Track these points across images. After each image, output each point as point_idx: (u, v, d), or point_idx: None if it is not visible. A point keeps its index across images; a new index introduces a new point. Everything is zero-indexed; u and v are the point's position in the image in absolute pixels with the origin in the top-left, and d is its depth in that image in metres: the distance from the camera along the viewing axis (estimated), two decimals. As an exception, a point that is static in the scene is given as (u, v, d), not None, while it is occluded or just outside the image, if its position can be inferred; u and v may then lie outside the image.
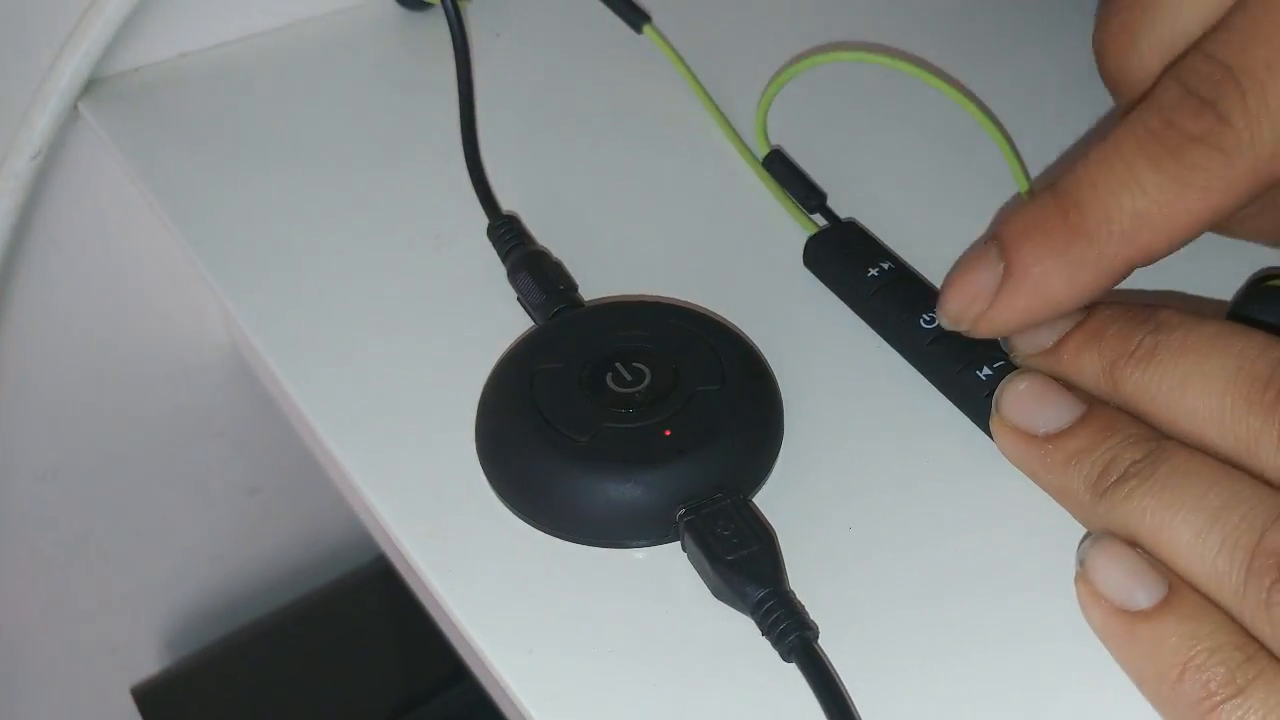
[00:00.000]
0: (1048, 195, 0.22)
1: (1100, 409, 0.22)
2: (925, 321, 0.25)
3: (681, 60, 0.33)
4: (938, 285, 0.24)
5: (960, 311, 0.23)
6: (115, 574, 0.44)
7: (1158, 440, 0.21)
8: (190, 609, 0.47)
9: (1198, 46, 0.21)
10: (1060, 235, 0.21)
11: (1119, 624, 0.20)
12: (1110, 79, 0.24)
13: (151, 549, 0.45)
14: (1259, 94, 0.19)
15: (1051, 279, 0.22)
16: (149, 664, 0.46)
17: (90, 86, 0.33)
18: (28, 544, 0.41)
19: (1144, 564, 0.20)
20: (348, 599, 0.46)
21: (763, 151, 0.30)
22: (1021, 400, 0.23)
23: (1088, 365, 0.23)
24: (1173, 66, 0.21)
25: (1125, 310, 0.23)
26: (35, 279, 0.36)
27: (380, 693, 0.44)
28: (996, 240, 0.23)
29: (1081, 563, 0.21)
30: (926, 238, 0.28)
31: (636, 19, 0.34)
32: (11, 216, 0.33)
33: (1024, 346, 0.24)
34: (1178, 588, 0.20)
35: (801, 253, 0.28)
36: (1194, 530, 0.20)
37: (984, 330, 0.23)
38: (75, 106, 0.33)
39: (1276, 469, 0.20)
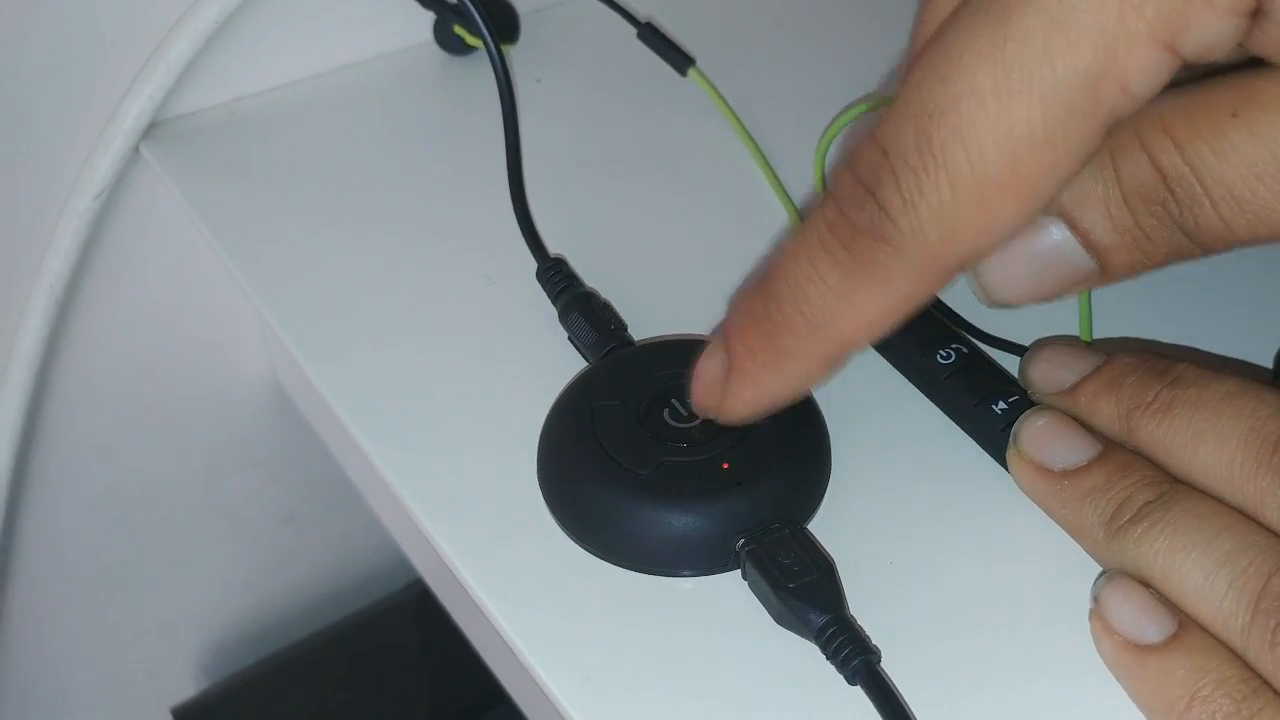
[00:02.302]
0: (756, 286, 0.22)
1: (1116, 449, 0.23)
2: (942, 357, 0.26)
3: (726, 103, 0.34)
4: (955, 317, 0.25)
5: (702, 401, 0.23)
6: (155, 600, 0.45)
7: (1171, 484, 0.22)
8: (227, 634, 0.48)
9: (871, 129, 0.20)
10: (766, 328, 0.21)
11: (1130, 657, 0.21)
12: None
13: (190, 576, 0.46)
14: (910, 180, 0.18)
15: (766, 372, 0.22)
16: (187, 687, 0.47)
17: (151, 129, 0.34)
18: (73, 570, 0.42)
19: (1154, 601, 0.21)
20: (382, 624, 0.46)
21: (820, 192, 0.31)
22: (1039, 436, 0.24)
23: (1104, 410, 0.24)
24: (851, 150, 0.20)
25: (1144, 361, 0.24)
26: (93, 313, 0.37)
27: (413, 717, 0.45)
28: (723, 331, 0.23)
29: (1095, 599, 0.22)
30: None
31: (682, 62, 0.35)
32: (74, 253, 0.34)
33: (1042, 385, 0.25)
34: (1187, 624, 0.21)
35: None
36: (1203, 573, 0.21)
37: (726, 419, 0.23)
38: (137, 148, 0.34)
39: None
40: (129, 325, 0.38)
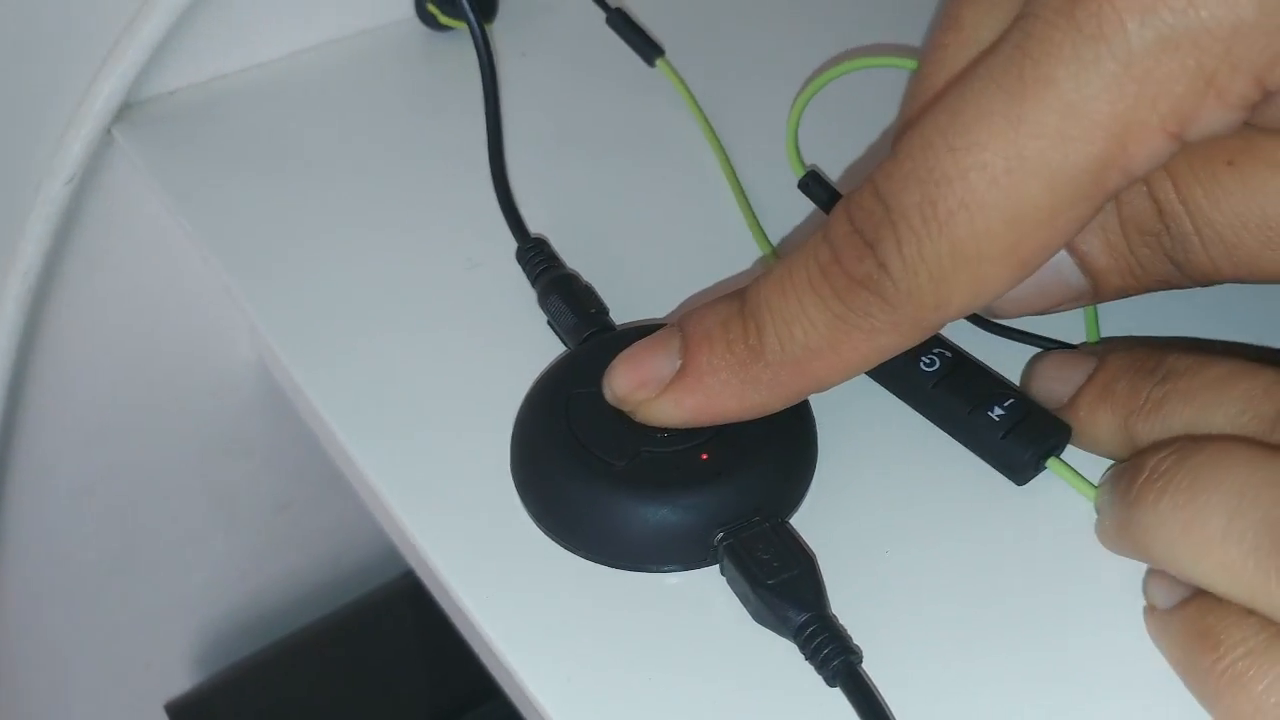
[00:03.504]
0: (736, 305, 0.21)
1: None
2: (925, 364, 0.24)
3: (692, 96, 0.33)
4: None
5: (628, 393, 0.23)
6: (148, 590, 0.45)
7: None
8: (221, 625, 0.47)
9: (871, 174, 0.20)
10: (740, 351, 0.21)
11: (1157, 621, 0.21)
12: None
13: (182, 566, 0.45)
14: (914, 243, 0.18)
15: (724, 391, 0.21)
16: (181, 680, 0.47)
17: (123, 111, 0.33)
18: (64, 561, 0.42)
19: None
20: (376, 615, 0.46)
21: (798, 174, 0.30)
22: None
23: (1103, 422, 0.23)
24: (847, 193, 0.20)
25: (1134, 359, 0.23)
26: (70, 300, 0.36)
27: (409, 708, 0.44)
28: (680, 332, 0.22)
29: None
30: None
31: (650, 53, 0.34)
32: (46, 240, 0.33)
33: (1045, 402, 0.24)
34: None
35: None
36: (1227, 514, 0.19)
37: (641, 417, 0.23)
38: (109, 131, 0.33)
39: None
40: (109, 312, 0.37)
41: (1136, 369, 0.22)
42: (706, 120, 0.33)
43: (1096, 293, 0.22)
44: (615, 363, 0.23)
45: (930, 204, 0.18)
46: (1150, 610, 0.21)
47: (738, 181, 0.31)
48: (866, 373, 0.26)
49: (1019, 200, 0.18)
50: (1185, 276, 0.21)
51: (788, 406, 0.22)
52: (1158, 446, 0.21)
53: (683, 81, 0.33)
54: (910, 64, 0.28)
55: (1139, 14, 0.16)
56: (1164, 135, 0.17)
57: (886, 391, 0.26)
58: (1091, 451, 0.24)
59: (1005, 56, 0.18)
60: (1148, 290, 0.22)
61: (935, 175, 0.18)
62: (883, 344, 0.20)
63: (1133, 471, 0.21)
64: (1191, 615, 0.20)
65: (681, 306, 0.28)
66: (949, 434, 0.25)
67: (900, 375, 0.25)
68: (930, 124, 0.18)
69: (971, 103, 0.18)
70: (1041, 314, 0.23)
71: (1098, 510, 0.23)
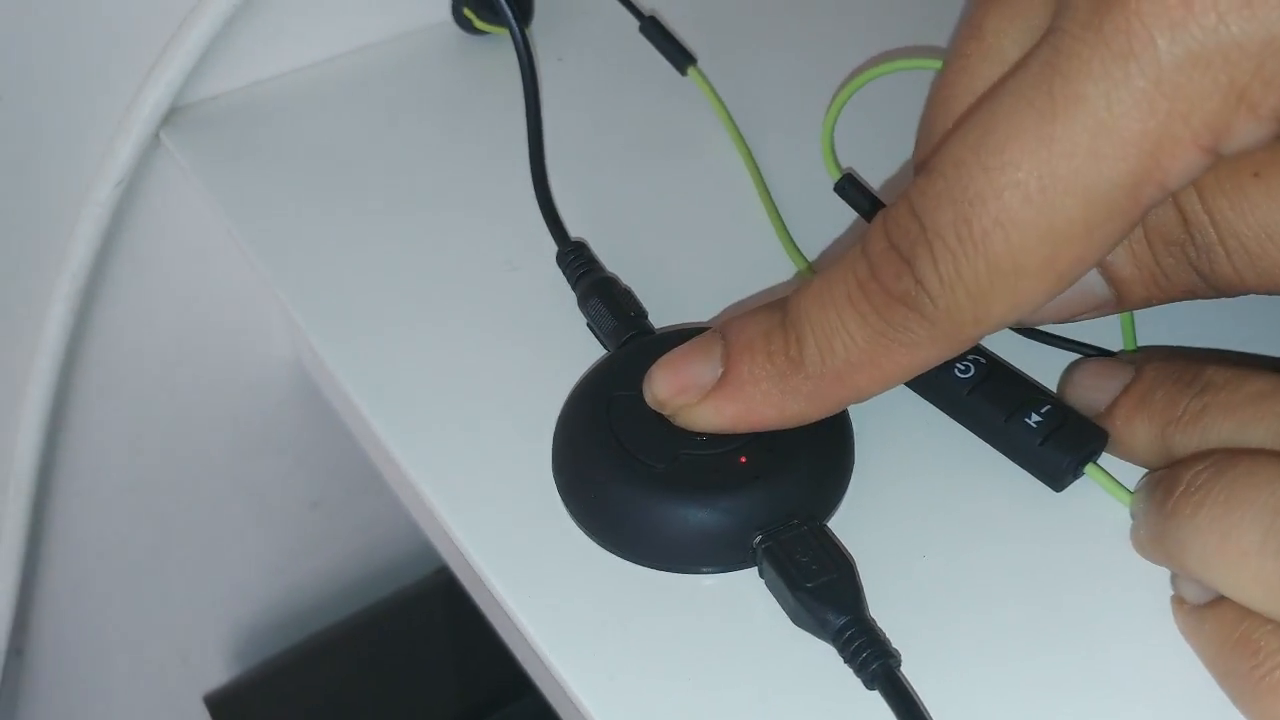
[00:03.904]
0: (777, 315, 0.22)
1: None
2: (960, 371, 0.24)
3: (723, 105, 0.33)
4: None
5: (669, 397, 0.23)
6: (186, 586, 0.45)
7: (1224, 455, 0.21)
8: (257, 620, 0.48)
9: (906, 191, 0.20)
10: (780, 362, 0.21)
11: (1191, 618, 0.21)
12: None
13: (220, 561, 0.46)
14: (950, 262, 0.19)
15: (764, 400, 0.22)
16: (219, 673, 0.47)
17: (170, 115, 0.34)
18: (106, 558, 0.42)
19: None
20: (409, 610, 0.46)
21: (834, 177, 0.30)
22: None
23: (1140, 432, 0.23)
24: (884, 210, 0.21)
25: (1172, 370, 0.23)
26: (117, 300, 0.37)
27: (442, 703, 0.45)
28: (722, 340, 0.22)
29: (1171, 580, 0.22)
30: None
31: (682, 61, 0.34)
32: (96, 241, 0.34)
33: (1082, 411, 0.24)
34: None
35: None
36: (1262, 530, 0.19)
37: (685, 422, 0.23)
38: (157, 135, 0.34)
39: None
40: (153, 312, 0.38)
41: (1175, 380, 0.23)
42: (737, 129, 0.33)
43: (1121, 302, 0.22)
44: (656, 367, 0.23)
45: (965, 223, 0.18)
46: (1179, 605, 0.22)
47: (767, 191, 0.31)
48: (905, 385, 0.26)
49: (1054, 217, 0.18)
50: (1210, 287, 0.21)
51: (828, 415, 0.22)
52: (1194, 459, 0.21)
53: (714, 90, 0.34)
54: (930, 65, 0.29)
55: (1169, 30, 0.16)
56: (1197, 150, 0.17)
57: (922, 398, 0.26)
58: (1127, 460, 0.24)
59: (1034, 73, 0.18)
60: (1172, 300, 0.22)
61: (970, 194, 0.18)
62: (921, 357, 0.20)
63: (1169, 483, 0.21)
64: (1228, 619, 0.20)
65: (720, 312, 0.28)
66: (985, 440, 0.25)
67: (935, 382, 0.25)
68: (962, 142, 0.19)
69: (1003, 120, 0.18)
70: (1065, 322, 0.24)
71: (1133, 517, 0.23)
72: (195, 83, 0.34)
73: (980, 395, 0.24)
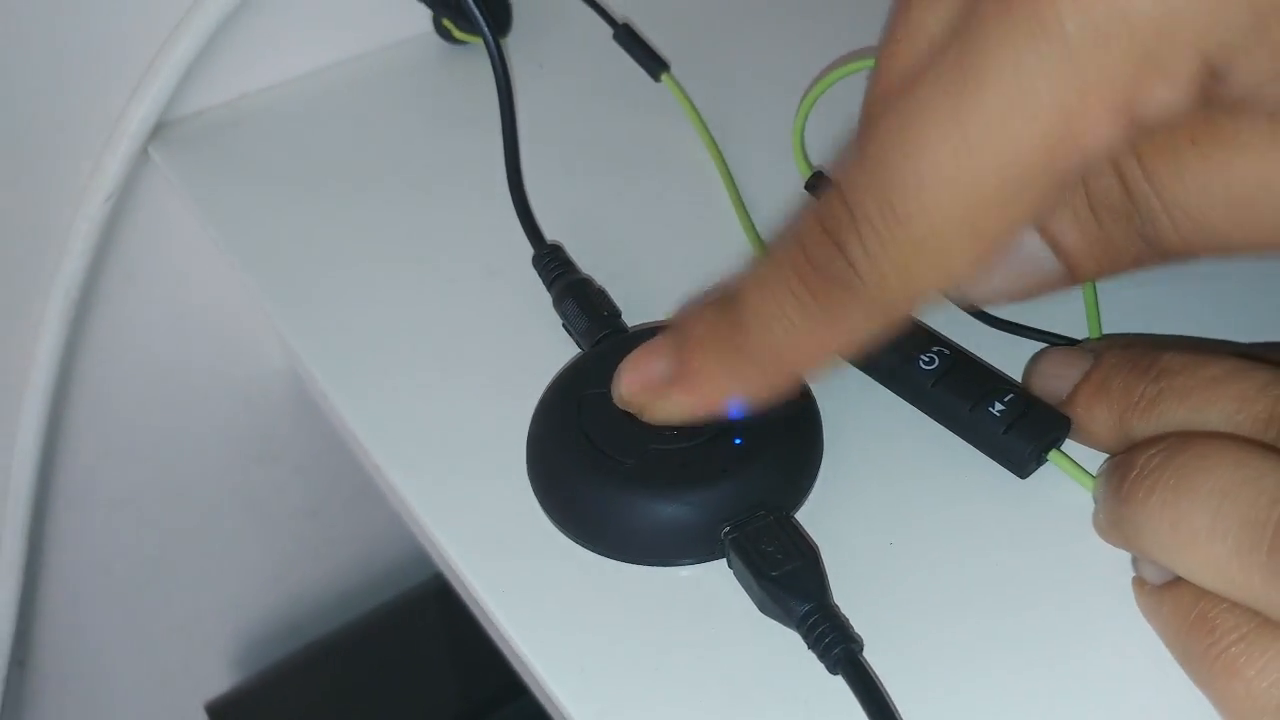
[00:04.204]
0: (720, 307, 0.23)
1: None
2: (924, 363, 0.25)
3: (695, 110, 0.34)
4: (929, 324, 0.25)
5: (633, 396, 0.24)
6: (185, 596, 0.46)
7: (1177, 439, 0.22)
8: (256, 628, 0.48)
9: (835, 177, 0.20)
10: (728, 349, 0.22)
11: (1150, 599, 0.22)
12: None
13: (218, 571, 0.46)
14: (875, 239, 0.19)
15: (718, 387, 0.23)
16: (219, 681, 0.48)
17: (158, 130, 0.35)
18: (105, 568, 0.43)
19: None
20: (406, 616, 0.47)
21: (804, 174, 0.31)
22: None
23: (1100, 417, 0.24)
24: (816, 199, 0.21)
25: (1130, 357, 0.24)
26: (110, 312, 0.37)
27: (440, 707, 0.45)
28: (676, 337, 0.23)
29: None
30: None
31: (655, 68, 0.35)
32: (87, 255, 0.35)
33: (1044, 399, 0.25)
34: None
35: None
36: (1210, 513, 0.20)
37: (650, 417, 0.24)
38: (145, 150, 0.34)
39: None
40: (146, 324, 0.39)
41: (1131, 367, 0.23)
42: (709, 133, 0.33)
43: (1072, 275, 0.22)
44: (620, 368, 0.24)
45: (888, 205, 0.19)
46: (1139, 586, 0.22)
47: (737, 192, 0.32)
48: (867, 373, 0.27)
49: (971, 189, 0.18)
50: (1158, 254, 0.21)
51: (781, 395, 0.22)
52: (1147, 444, 0.21)
53: (687, 96, 0.34)
54: None
55: (1075, 13, 0.17)
56: (1111, 119, 0.17)
57: (888, 390, 0.26)
58: (1089, 446, 0.24)
59: (950, 58, 0.18)
60: (1122, 270, 0.22)
61: (893, 180, 0.19)
62: (858, 331, 0.21)
63: (1124, 468, 0.22)
64: (1185, 600, 0.21)
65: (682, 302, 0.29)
66: (951, 430, 0.25)
67: (901, 375, 0.25)
68: (884, 129, 0.19)
69: (919, 106, 0.18)
70: (1022, 300, 0.24)
71: (1095, 501, 0.23)
72: (181, 98, 0.35)
73: (944, 386, 0.25)
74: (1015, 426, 0.24)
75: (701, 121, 0.34)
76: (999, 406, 0.24)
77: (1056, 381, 0.25)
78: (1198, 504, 0.20)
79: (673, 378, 0.23)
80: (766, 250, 0.22)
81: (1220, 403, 0.21)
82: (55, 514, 0.40)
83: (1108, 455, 0.24)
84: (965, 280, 0.20)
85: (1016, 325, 0.27)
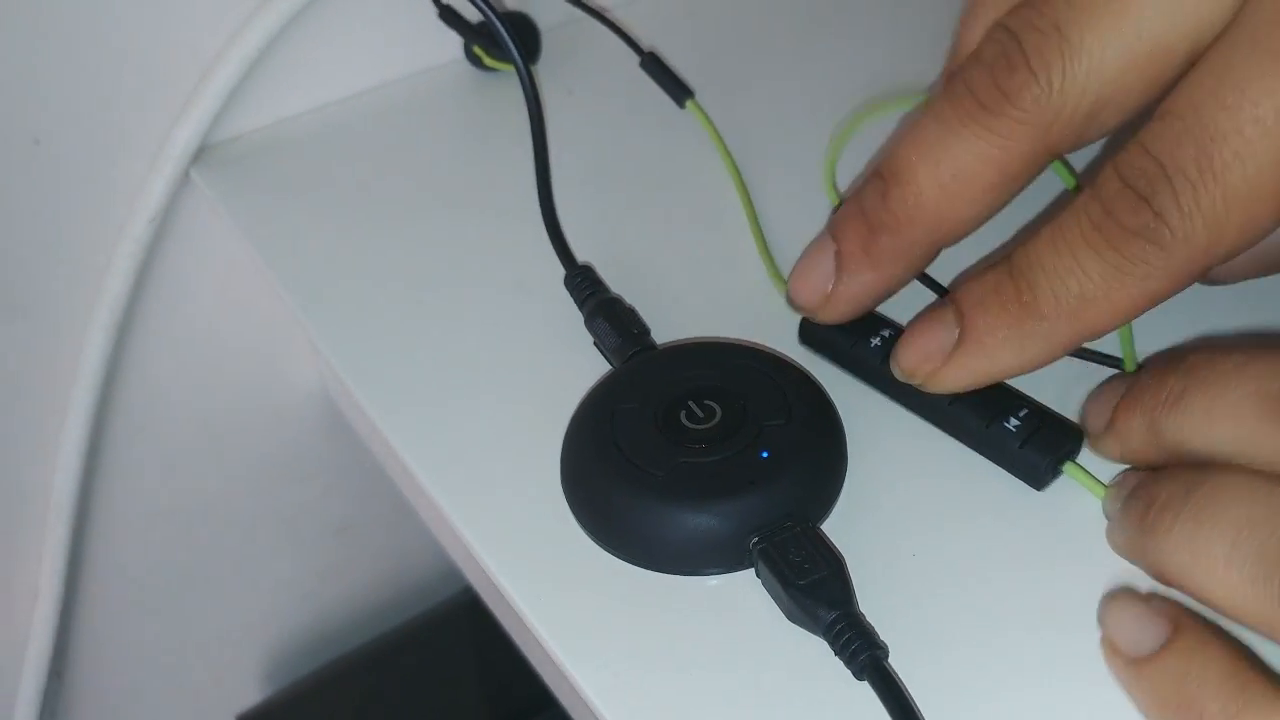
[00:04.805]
0: (1004, 270, 0.23)
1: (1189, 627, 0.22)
2: None
3: (719, 137, 0.34)
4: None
5: (915, 367, 0.25)
6: (218, 609, 0.47)
7: (1196, 475, 0.22)
8: (288, 642, 0.49)
9: (1136, 138, 0.21)
10: (1014, 310, 0.23)
11: (1130, 671, 0.21)
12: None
13: (250, 585, 0.47)
14: (1190, 193, 0.20)
15: (1003, 349, 0.23)
16: (251, 694, 0.48)
17: (200, 154, 0.36)
18: (140, 582, 0.44)
19: (1149, 610, 0.21)
20: (436, 631, 0.47)
21: (833, 202, 0.31)
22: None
23: (1135, 426, 0.24)
24: (1113, 156, 0.22)
25: (1159, 362, 0.24)
26: (150, 333, 0.38)
27: (468, 719, 0.45)
28: (954, 305, 0.24)
29: (1100, 620, 0.22)
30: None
31: (680, 94, 0.36)
32: (131, 275, 0.36)
33: (1092, 430, 0.25)
34: (1182, 627, 0.21)
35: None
36: (1229, 543, 0.20)
37: (933, 387, 0.25)
38: (187, 173, 0.35)
39: None
40: (185, 344, 0.40)
41: (1159, 370, 0.24)
42: (732, 160, 0.34)
43: None
44: (899, 343, 0.25)
45: (1206, 157, 0.20)
46: (1113, 652, 0.22)
47: (755, 216, 0.32)
48: (886, 394, 0.27)
49: None
50: None
51: (1063, 357, 0.23)
52: (1168, 475, 0.22)
53: (711, 123, 0.35)
54: None
55: None
56: None
57: (908, 410, 0.27)
58: (1132, 460, 0.24)
59: (1267, 19, 0.19)
60: None
61: (1210, 131, 0.20)
62: (1153, 289, 0.21)
63: (1144, 497, 0.22)
64: (1168, 677, 0.20)
65: (716, 328, 0.29)
66: (969, 446, 0.26)
67: (919, 394, 0.26)
68: (1195, 88, 0.20)
69: (1240, 63, 0.20)
70: (1263, 275, 0.25)
71: (1107, 517, 0.24)
72: (223, 122, 0.36)
73: (961, 404, 0.25)
74: (1030, 441, 0.25)
75: (724, 147, 0.34)
76: (1014, 422, 0.25)
77: (1103, 408, 0.25)
78: (1216, 535, 0.20)
79: (955, 343, 0.24)
80: (1058, 212, 0.22)
81: (1237, 385, 0.22)
82: (94, 529, 0.41)
83: (1122, 470, 0.24)
84: (1263, 238, 0.20)
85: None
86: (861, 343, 0.27)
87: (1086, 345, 0.27)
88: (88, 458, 0.39)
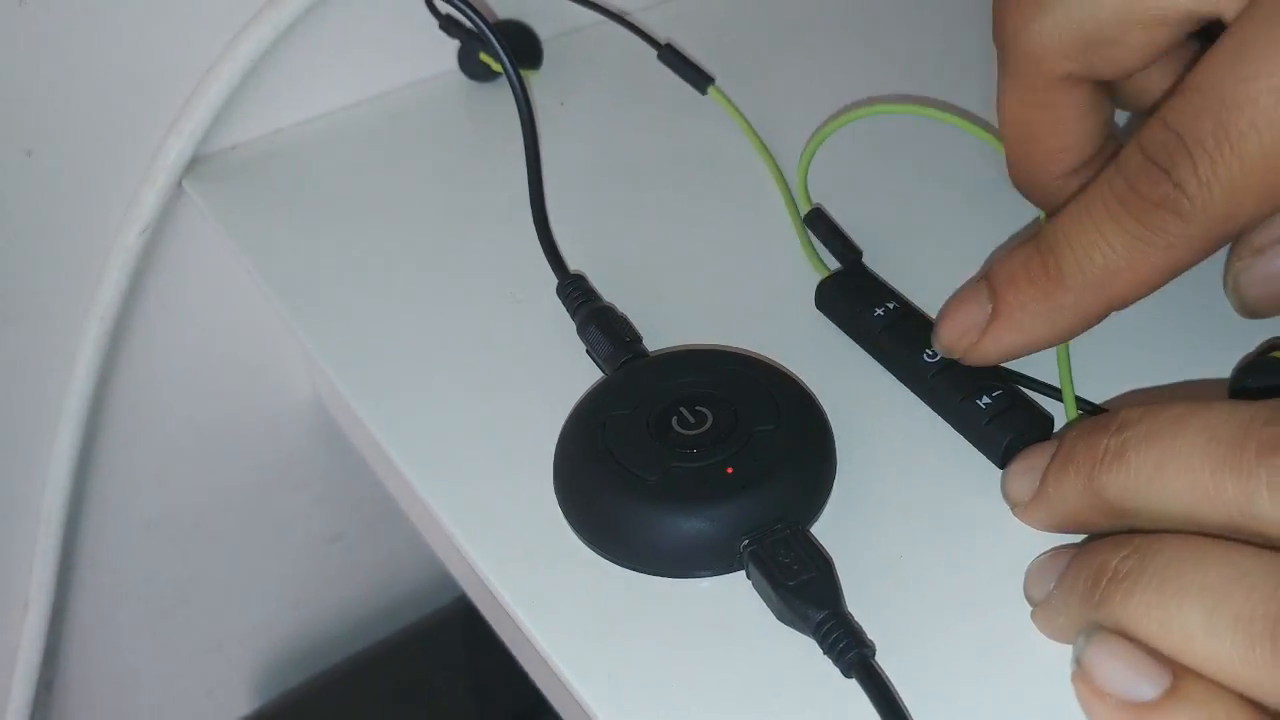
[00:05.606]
0: (1031, 246, 0.24)
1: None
2: (928, 356, 0.27)
3: (744, 118, 0.35)
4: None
5: (953, 342, 0.26)
6: (210, 619, 0.47)
7: (1144, 538, 0.20)
8: (280, 651, 0.49)
9: (1157, 113, 0.22)
10: (1042, 284, 0.24)
11: (1127, 718, 0.20)
12: (1001, 41, 0.26)
13: (242, 595, 0.47)
14: (1208, 164, 0.21)
15: (1035, 321, 0.24)
16: (242, 705, 0.48)
17: (192, 164, 0.36)
18: (133, 591, 0.44)
19: (1145, 654, 0.20)
20: (428, 639, 0.48)
21: (805, 209, 0.32)
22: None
23: (1070, 489, 0.22)
24: (1135, 131, 0.23)
25: (1088, 424, 0.22)
26: (142, 343, 0.39)
27: (461, 729, 0.46)
28: (987, 281, 0.25)
29: (1078, 660, 0.20)
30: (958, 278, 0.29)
31: (701, 81, 0.36)
32: (123, 285, 0.36)
33: (1020, 500, 0.24)
34: (1183, 674, 0.19)
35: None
36: (1204, 612, 0.19)
37: (972, 359, 0.26)
38: (180, 183, 0.36)
39: (1275, 520, 0.19)
40: (177, 354, 0.40)
41: (1090, 429, 0.22)
42: (762, 142, 0.35)
43: None
44: (938, 320, 0.26)
45: (1223, 128, 0.21)
46: (1096, 699, 0.20)
47: (793, 202, 0.33)
48: (880, 361, 0.28)
49: None
50: None
51: (1093, 325, 0.24)
52: (1112, 544, 0.21)
53: (735, 106, 0.35)
54: (922, 111, 0.31)
55: None
56: None
57: (903, 403, 0.28)
58: (1066, 526, 0.23)
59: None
60: None
61: (1226, 103, 0.21)
62: (1176, 258, 0.22)
63: (1088, 570, 0.21)
64: None
65: (711, 335, 0.30)
66: (944, 418, 0.27)
67: (906, 365, 0.28)
68: (1213, 65, 0.21)
69: (1252, 42, 0.20)
70: None
71: (1031, 602, 0.23)
72: (216, 133, 0.36)
73: (942, 378, 0.27)
74: (996, 420, 0.26)
75: (754, 131, 0.35)
76: (986, 400, 0.26)
77: (1027, 477, 0.24)
78: (1188, 603, 0.19)
79: (989, 319, 0.24)
80: (1087, 189, 0.23)
81: (1186, 436, 0.20)
82: (85, 538, 0.41)
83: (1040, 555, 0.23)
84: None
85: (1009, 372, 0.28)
86: (866, 312, 0.29)
87: (1026, 375, 0.27)
88: (79, 467, 0.39)
